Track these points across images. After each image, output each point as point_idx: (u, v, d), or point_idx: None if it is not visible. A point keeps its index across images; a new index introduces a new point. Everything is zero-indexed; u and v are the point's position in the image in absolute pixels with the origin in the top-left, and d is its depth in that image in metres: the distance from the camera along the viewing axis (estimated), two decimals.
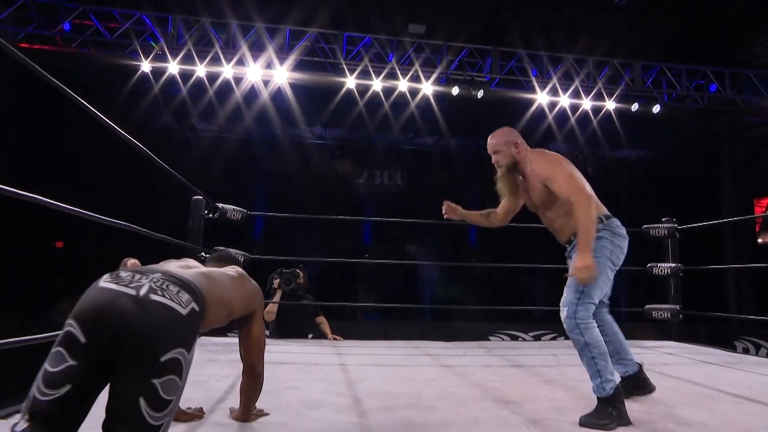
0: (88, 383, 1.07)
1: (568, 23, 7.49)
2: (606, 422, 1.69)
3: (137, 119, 7.07)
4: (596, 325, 1.84)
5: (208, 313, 1.24)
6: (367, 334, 4.45)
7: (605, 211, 1.98)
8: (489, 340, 5.21)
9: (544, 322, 6.31)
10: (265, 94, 7.22)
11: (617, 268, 1.93)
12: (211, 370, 2.49)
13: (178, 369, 1.11)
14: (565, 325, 1.83)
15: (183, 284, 1.19)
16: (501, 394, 2.13)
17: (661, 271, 3.99)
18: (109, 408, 1.07)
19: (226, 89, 7.13)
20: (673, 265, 3.95)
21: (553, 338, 5.74)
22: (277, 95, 7.28)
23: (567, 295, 1.84)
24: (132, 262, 3.44)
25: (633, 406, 1.91)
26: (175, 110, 7.85)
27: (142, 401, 1.05)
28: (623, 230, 1.97)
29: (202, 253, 3.43)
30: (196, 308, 1.17)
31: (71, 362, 1.06)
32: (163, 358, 1.08)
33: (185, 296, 1.16)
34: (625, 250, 1.95)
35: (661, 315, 3.94)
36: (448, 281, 8.38)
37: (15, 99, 6.54)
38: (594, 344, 1.79)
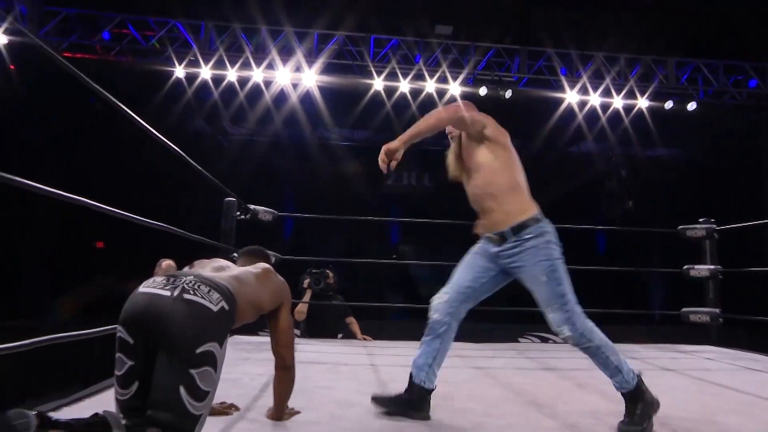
0: (149, 376, 1.20)
1: (599, 20, 7.33)
2: (643, 426, 1.64)
3: (171, 123, 7.24)
4: (593, 323, 1.72)
5: (238, 311, 1.35)
6: (397, 334, 4.45)
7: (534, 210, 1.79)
8: (519, 341, 5.13)
9: None
10: (293, 97, 7.31)
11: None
12: (244, 368, 2.53)
13: (213, 361, 1.21)
14: (572, 343, 1.71)
15: (213, 285, 1.30)
16: (533, 398, 2.10)
17: (699, 273, 3.87)
18: (152, 399, 1.17)
19: (256, 93, 7.25)
20: (712, 267, 3.83)
21: None
22: (306, 98, 7.36)
23: (553, 314, 1.69)
24: (167, 263, 3.53)
25: (674, 413, 1.85)
26: (207, 114, 8.02)
27: (182, 390, 1.16)
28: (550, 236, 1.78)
29: (235, 254, 3.50)
30: (226, 307, 1.28)
31: (130, 362, 1.21)
32: (198, 350, 1.18)
33: (215, 295, 1.27)
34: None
35: (699, 318, 3.81)
36: None
37: (56, 105, 6.81)
38: (604, 344, 1.70)
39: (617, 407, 1.91)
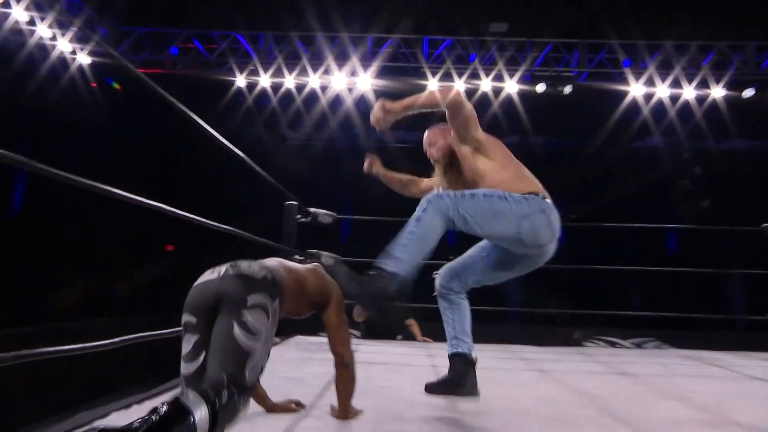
0: None
1: (665, 7, 6.94)
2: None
3: (232, 130, 7.56)
4: (437, 218, 1.60)
5: (284, 288, 1.46)
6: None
7: (533, 190, 1.70)
8: (584, 346, 4.93)
9: (646, 329, 5.86)
10: (349, 101, 7.42)
11: (498, 254, 1.75)
12: (307, 368, 2.58)
13: (264, 308, 1.35)
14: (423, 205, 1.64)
15: (253, 262, 1.47)
16: (605, 403, 2.00)
17: None
18: (210, 348, 1.31)
19: (312, 98, 7.44)
20: None
21: (657, 346, 5.32)
22: (361, 102, 7.45)
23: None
24: None
25: None
26: (266, 120, 8.30)
27: (235, 325, 1.29)
28: (548, 218, 1.66)
29: (296, 255, 3.58)
30: (269, 276, 1.42)
31: (195, 336, 1.35)
32: (249, 300, 1.33)
33: (256, 266, 1.43)
34: (527, 239, 1.64)
35: None
36: (537, 282, 8.07)
37: (136, 118, 7.28)
38: (422, 226, 1.57)
39: (702, 416, 1.79)
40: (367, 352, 3.15)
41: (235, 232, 2.57)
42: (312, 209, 3.68)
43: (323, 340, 3.78)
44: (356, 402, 1.75)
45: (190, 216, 2.10)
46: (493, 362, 2.93)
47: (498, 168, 1.77)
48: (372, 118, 1.78)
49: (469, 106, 1.78)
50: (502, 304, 7.95)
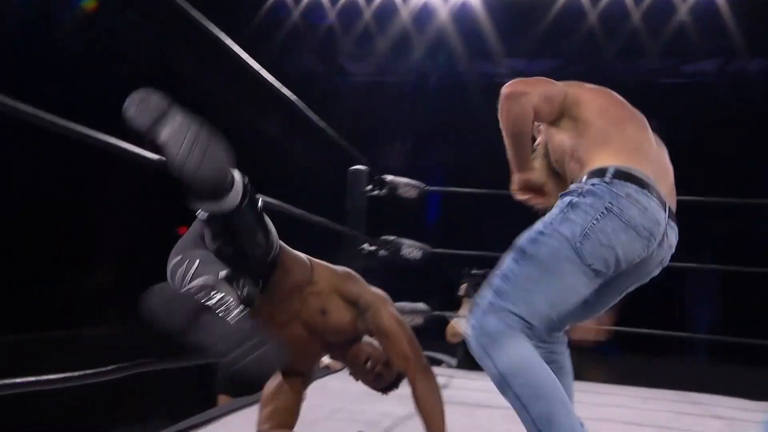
0: None
1: None
2: None
3: (269, 59, 7.78)
4: (526, 343, 1.54)
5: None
6: (601, 373, 4.35)
7: (625, 164, 1.63)
8: None
9: None
10: (443, 13, 7.37)
11: (607, 271, 1.58)
12: (379, 407, 2.68)
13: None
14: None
15: None
16: None
17: None
18: None
19: (388, 10, 7.43)
20: None
21: None
22: (461, 14, 7.38)
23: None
24: None
25: None
26: (318, 46, 8.42)
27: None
28: (638, 208, 1.57)
29: (366, 245, 3.70)
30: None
31: None
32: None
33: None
34: (637, 246, 1.58)
35: None
36: (740, 293, 7.68)
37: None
38: (516, 374, 1.49)
39: None
40: (468, 389, 3.21)
41: (281, 206, 2.65)
42: (389, 177, 3.76)
43: None
44: None
45: None
46: (668, 419, 2.90)
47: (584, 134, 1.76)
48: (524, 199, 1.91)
49: (548, 89, 1.79)
50: (678, 327, 7.70)
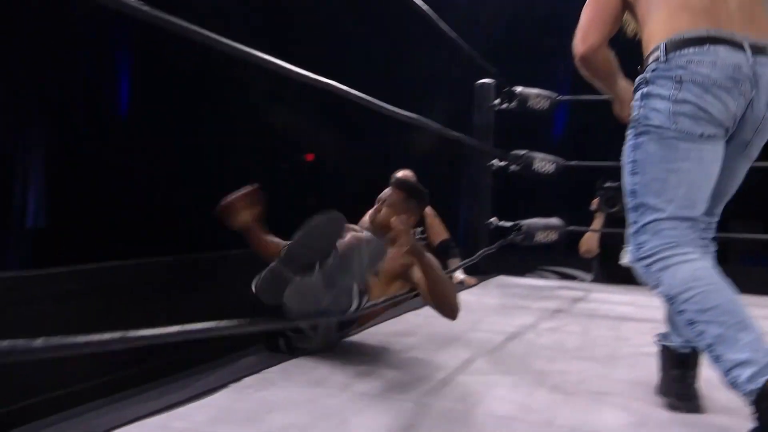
0: None
1: None
2: None
3: None
4: (691, 255, 1.51)
5: None
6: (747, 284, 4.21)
7: (676, 30, 1.57)
8: None
9: None
10: None
11: (717, 132, 1.54)
12: (518, 318, 2.74)
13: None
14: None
15: None
16: None
17: None
18: None
19: None
20: None
21: None
22: None
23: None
24: (404, 173, 3.90)
25: None
26: None
27: None
28: (706, 66, 1.52)
29: (495, 161, 3.69)
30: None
31: None
32: None
33: None
34: (727, 98, 1.52)
35: None
36: None
37: None
38: (686, 294, 1.46)
39: None
40: (611, 302, 3.20)
41: (409, 118, 2.63)
42: (519, 88, 3.69)
43: (533, 282, 3.93)
44: (608, 372, 1.92)
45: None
46: None
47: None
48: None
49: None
50: None
